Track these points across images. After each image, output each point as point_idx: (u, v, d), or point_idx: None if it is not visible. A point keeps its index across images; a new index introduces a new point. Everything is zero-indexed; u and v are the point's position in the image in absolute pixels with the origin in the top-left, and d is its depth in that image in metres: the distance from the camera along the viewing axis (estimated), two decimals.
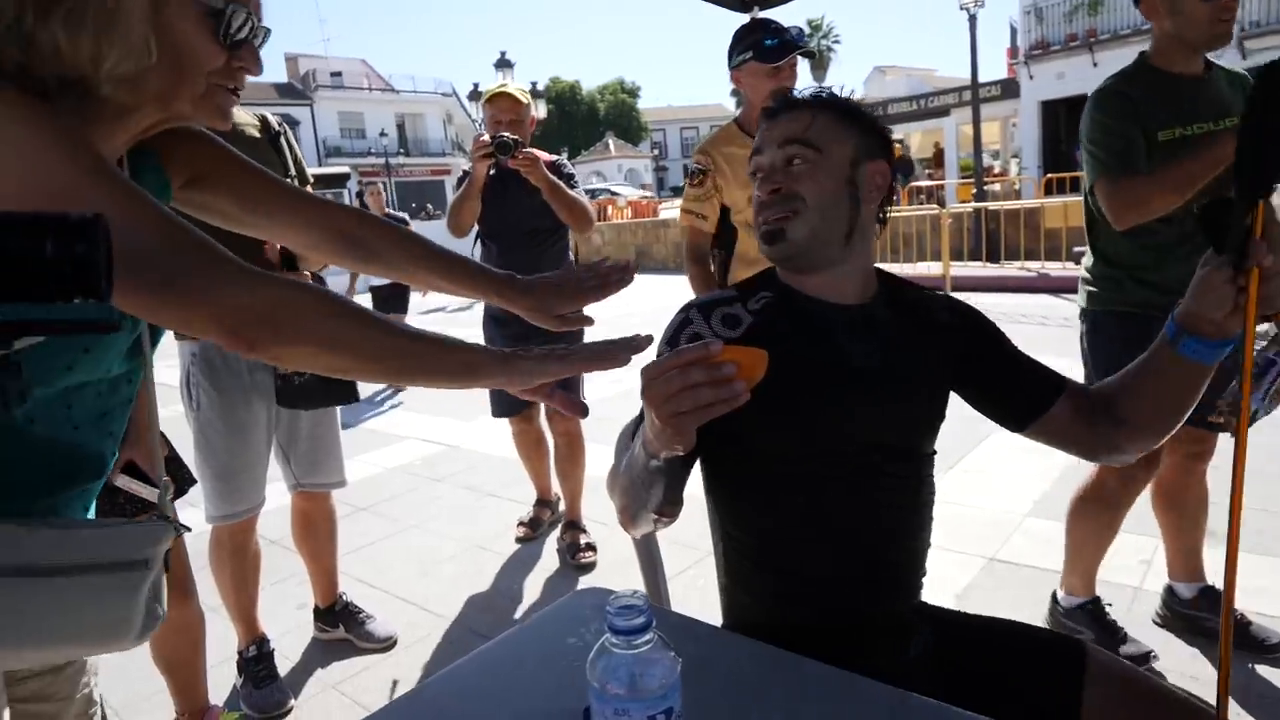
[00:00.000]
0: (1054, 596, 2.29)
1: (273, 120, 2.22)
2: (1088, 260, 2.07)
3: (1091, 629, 2.14)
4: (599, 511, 3.19)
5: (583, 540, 3.08)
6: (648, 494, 1.02)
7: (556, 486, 3.37)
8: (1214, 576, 2.22)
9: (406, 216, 5.61)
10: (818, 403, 1.12)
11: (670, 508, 1.07)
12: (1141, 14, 1.92)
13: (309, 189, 2.28)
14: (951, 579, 2.58)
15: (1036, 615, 2.32)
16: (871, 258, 1.22)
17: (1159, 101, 1.84)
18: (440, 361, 0.91)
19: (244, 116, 2.15)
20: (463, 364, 0.92)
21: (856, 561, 1.14)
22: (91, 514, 0.97)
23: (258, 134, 2.16)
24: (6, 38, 0.75)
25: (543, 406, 3.12)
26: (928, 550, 1.23)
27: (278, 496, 2.36)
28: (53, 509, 0.88)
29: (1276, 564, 2.50)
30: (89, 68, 0.77)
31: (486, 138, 2.68)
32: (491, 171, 2.74)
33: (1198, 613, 2.20)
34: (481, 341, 3.00)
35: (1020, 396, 1.22)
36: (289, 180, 2.20)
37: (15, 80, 0.76)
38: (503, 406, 3.14)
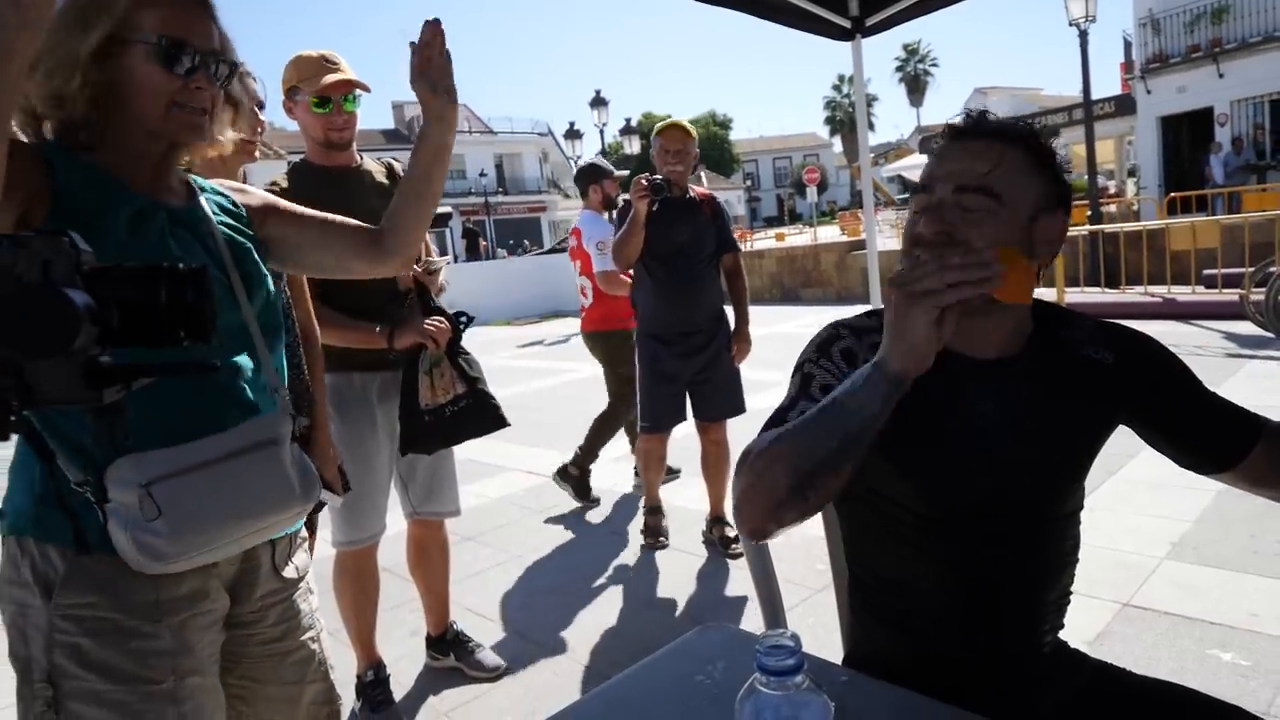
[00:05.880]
0: None
1: (398, 167, 2.35)
2: None
3: None
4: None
5: (731, 532, 3.31)
6: (849, 445, 0.89)
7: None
8: None
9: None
10: (942, 461, 1.06)
11: (850, 470, 0.92)
12: None
13: None
14: (1082, 625, 2.42)
15: (1179, 669, 2.15)
16: (1026, 309, 1.09)
17: None
18: None
19: (372, 165, 2.30)
20: None
21: (975, 611, 1.09)
22: None
23: (385, 180, 2.29)
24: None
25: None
26: (1065, 601, 1.16)
27: (391, 524, 2.45)
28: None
29: None
30: (38, 103, 1.01)
31: (645, 180, 2.97)
32: (654, 208, 3.02)
33: None
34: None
35: (1209, 441, 1.08)
36: None
37: (29, 126, 1.04)
38: (657, 420, 3.31)
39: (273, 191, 2.13)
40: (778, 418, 1.03)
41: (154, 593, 1.04)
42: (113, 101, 1.04)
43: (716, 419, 3.32)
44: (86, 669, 0.99)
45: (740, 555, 3.14)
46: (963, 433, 1.06)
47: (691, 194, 3.27)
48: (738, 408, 3.32)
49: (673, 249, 3.14)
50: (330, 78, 2.08)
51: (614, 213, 3.87)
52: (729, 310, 3.37)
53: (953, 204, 1.02)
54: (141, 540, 0.98)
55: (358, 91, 2.15)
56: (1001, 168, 1.01)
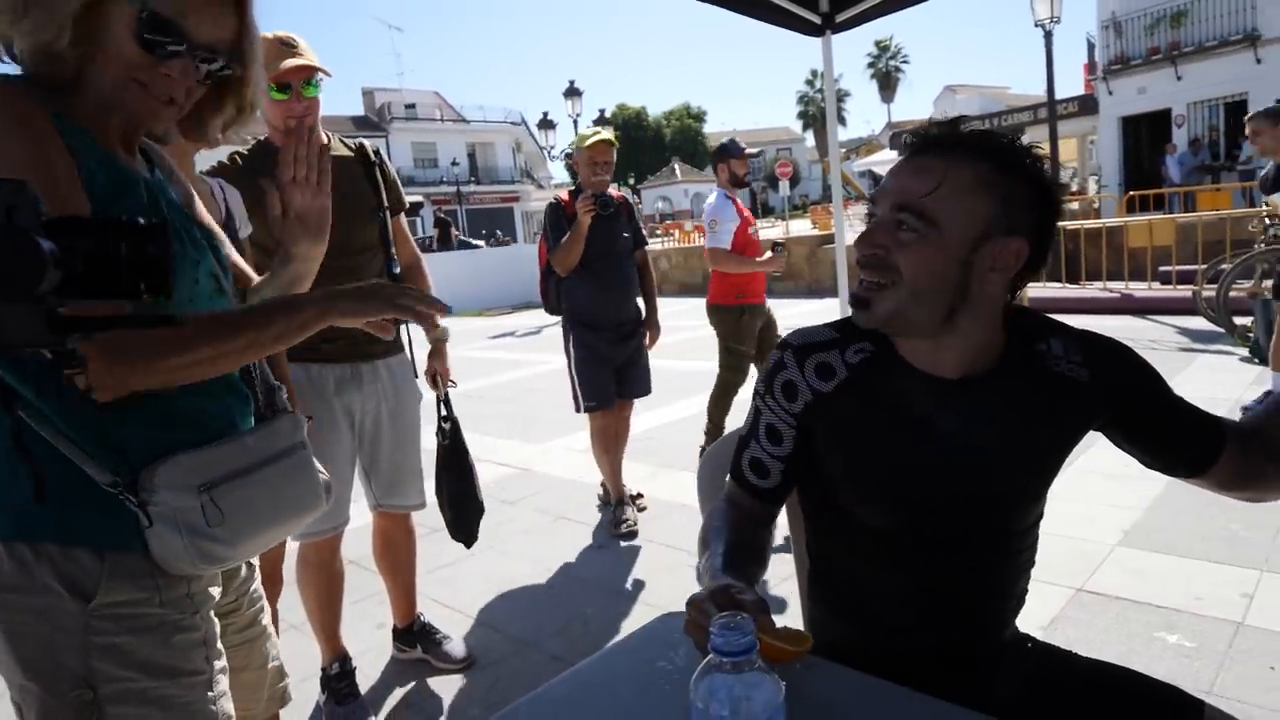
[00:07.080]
0: None
1: (369, 149, 2.32)
2: None
3: None
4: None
5: (631, 492, 3.80)
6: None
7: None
8: None
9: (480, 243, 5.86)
10: (900, 481, 1.05)
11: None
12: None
13: (404, 215, 2.42)
14: (1037, 610, 2.48)
15: (1129, 652, 2.22)
16: (991, 330, 1.04)
17: None
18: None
19: (341, 148, 2.27)
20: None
21: (932, 617, 1.10)
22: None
23: (359, 164, 2.27)
24: None
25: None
26: (1021, 602, 1.18)
27: (357, 516, 2.43)
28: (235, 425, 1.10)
29: None
30: (6, 28, 0.92)
31: (593, 198, 3.32)
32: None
33: None
34: (573, 361, 3.53)
35: (1178, 449, 1.08)
36: (381, 206, 2.29)
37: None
38: (601, 398, 3.53)
39: (222, 167, 2.09)
40: (740, 445, 1.15)
41: (186, 586, 1.03)
42: (86, 53, 0.95)
43: (639, 396, 3.75)
44: (128, 668, 0.96)
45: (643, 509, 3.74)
46: (926, 453, 1.04)
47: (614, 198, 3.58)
48: (649, 388, 3.78)
49: (611, 249, 3.51)
50: (289, 62, 2.00)
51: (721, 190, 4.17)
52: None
53: (890, 225, 0.97)
54: (201, 546, 0.98)
55: (319, 76, 2.07)
56: (943, 189, 0.94)
